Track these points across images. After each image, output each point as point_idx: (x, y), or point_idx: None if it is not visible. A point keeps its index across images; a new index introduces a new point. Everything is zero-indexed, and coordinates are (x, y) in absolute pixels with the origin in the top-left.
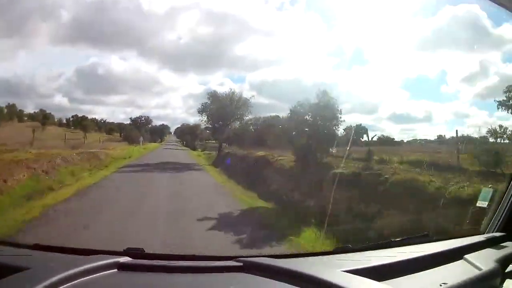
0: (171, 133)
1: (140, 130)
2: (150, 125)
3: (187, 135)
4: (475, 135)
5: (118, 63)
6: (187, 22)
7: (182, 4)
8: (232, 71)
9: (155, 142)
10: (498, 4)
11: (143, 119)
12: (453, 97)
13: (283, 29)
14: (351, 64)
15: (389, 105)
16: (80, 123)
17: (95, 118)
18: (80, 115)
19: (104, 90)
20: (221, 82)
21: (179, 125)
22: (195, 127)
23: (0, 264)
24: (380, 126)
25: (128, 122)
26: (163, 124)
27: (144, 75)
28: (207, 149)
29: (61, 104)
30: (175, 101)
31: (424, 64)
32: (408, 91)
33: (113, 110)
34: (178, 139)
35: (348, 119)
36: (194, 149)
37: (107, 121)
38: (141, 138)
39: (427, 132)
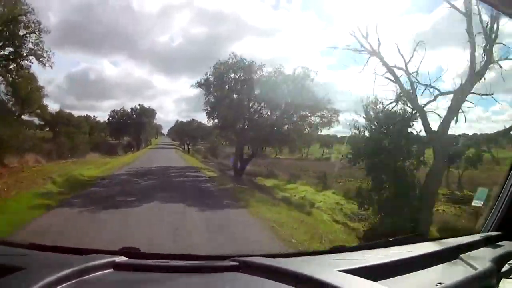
0: (163, 134)
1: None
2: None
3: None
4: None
5: (108, 67)
6: (179, 23)
7: (173, 4)
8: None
9: (128, 151)
10: (489, 5)
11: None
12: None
13: (279, 29)
14: (348, 63)
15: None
16: None
17: None
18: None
19: (96, 95)
20: None
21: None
22: None
23: None
24: None
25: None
26: (142, 107)
27: (135, 79)
28: None
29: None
30: (168, 104)
31: (421, 61)
32: None
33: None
34: (174, 142)
35: (344, 118)
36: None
37: None
38: None
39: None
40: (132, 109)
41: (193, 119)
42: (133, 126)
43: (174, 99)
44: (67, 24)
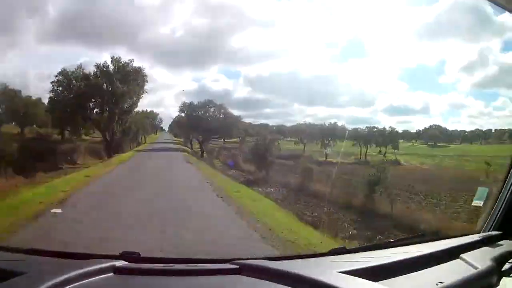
0: (164, 129)
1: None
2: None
3: None
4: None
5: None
6: (180, 14)
7: None
8: (227, 66)
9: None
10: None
11: None
12: (450, 87)
13: (281, 21)
14: (349, 56)
15: (387, 97)
16: None
17: None
18: None
19: None
20: (215, 79)
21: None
22: None
23: None
24: (376, 119)
25: None
26: (117, 62)
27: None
28: None
29: None
30: (169, 98)
31: (423, 54)
32: (406, 82)
33: None
34: (177, 139)
35: (346, 112)
36: None
37: None
38: None
39: (423, 124)
40: (97, 67)
41: (209, 100)
42: (101, 103)
43: (175, 93)
44: (66, 16)
